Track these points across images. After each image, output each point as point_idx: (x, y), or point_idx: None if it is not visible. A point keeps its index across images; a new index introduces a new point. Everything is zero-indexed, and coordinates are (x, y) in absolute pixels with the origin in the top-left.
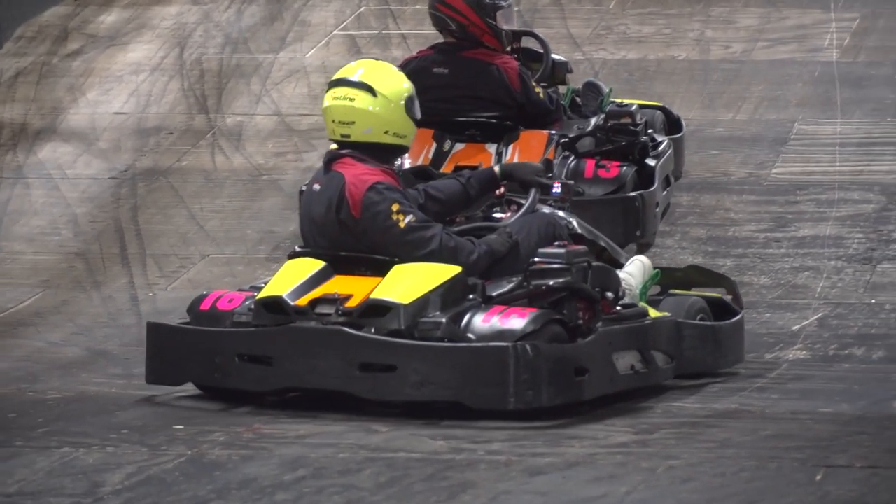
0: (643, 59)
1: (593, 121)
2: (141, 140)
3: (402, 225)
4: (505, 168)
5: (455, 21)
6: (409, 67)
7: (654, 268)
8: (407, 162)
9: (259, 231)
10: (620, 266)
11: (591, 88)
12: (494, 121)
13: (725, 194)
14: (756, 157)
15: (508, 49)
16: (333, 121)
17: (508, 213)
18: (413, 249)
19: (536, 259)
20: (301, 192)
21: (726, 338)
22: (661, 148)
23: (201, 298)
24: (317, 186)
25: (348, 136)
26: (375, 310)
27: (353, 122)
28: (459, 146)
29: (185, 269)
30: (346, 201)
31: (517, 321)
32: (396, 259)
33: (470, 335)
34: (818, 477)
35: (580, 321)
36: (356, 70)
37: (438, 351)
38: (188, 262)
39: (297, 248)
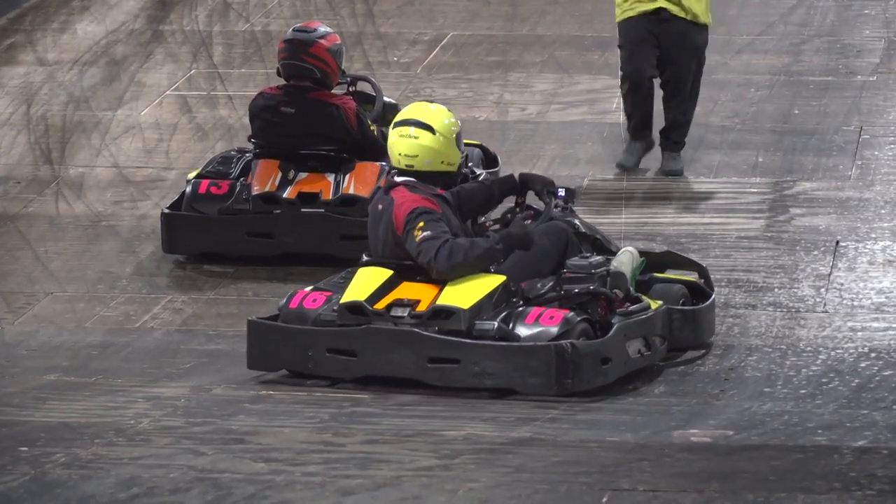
0: None
1: None
2: None
3: (417, 238)
4: (523, 177)
5: (320, 69)
6: (257, 104)
7: (640, 255)
8: (255, 188)
9: (98, 271)
10: (612, 253)
11: None
12: (333, 154)
13: None
14: None
15: (346, 90)
16: (400, 154)
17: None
18: (422, 256)
19: (566, 270)
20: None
21: (702, 318)
22: (480, 179)
23: (290, 298)
24: (379, 206)
25: (412, 166)
26: (441, 313)
27: (417, 156)
28: (302, 175)
29: (30, 306)
30: (392, 222)
31: (555, 323)
32: None
33: (517, 333)
34: (604, 499)
35: (599, 317)
36: (415, 111)
37: (494, 348)
38: (34, 299)
39: (364, 258)
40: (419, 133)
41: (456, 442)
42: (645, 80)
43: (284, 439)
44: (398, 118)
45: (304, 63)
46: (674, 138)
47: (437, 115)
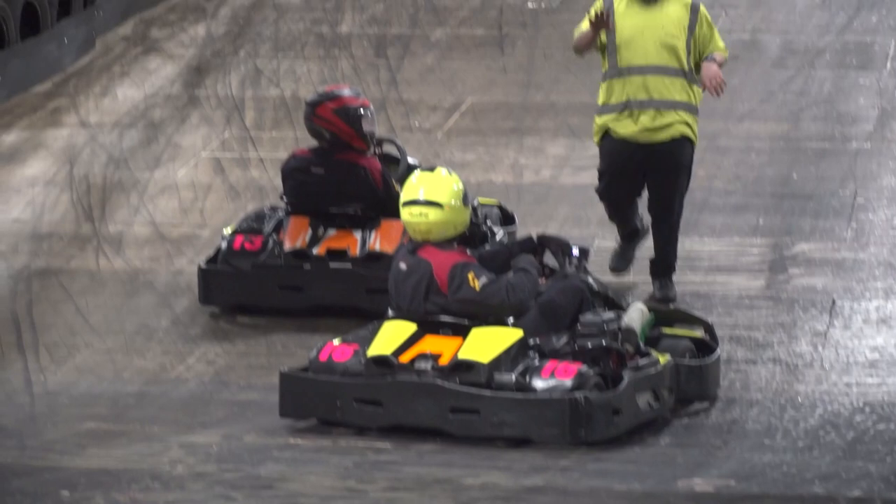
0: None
1: None
2: (36, 244)
3: (477, 288)
4: (540, 238)
5: (328, 130)
6: (289, 165)
7: (650, 311)
8: (287, 245)
9: (135, 324)
10: (623, 308)
11: None
12: (360, 212)
13: None
14: None
15: (373, 150)
16: (415, 231)
17: (542, 279)
18: (490, 299)
19: (579, 325)
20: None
21: (708, 372)
22: (497, 237)
23: (319, 350)
24: (403, 265)
25: (428, 240)
26: (462, 366)
27: (431, 231)
28: (331, 232)
29: (72, 357)
30: (434, 282)
31: (569, 377)
32: (475, 322)
33: (534, 386)
34: None
35: (611, 370)
36: (419, 189)
37: (512, 400)
38: (75, 350)
39: (390, 313)
40: (429, 211)
41: (473, 489)
42: (623, 205)
43: (311, 485)
44: (406, 197)
45: (312, 124)
46: (663, 268)
47: (442, 186)
